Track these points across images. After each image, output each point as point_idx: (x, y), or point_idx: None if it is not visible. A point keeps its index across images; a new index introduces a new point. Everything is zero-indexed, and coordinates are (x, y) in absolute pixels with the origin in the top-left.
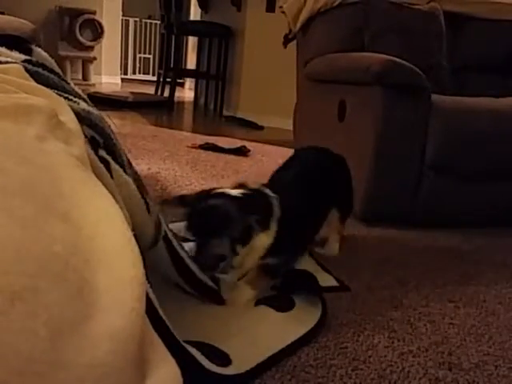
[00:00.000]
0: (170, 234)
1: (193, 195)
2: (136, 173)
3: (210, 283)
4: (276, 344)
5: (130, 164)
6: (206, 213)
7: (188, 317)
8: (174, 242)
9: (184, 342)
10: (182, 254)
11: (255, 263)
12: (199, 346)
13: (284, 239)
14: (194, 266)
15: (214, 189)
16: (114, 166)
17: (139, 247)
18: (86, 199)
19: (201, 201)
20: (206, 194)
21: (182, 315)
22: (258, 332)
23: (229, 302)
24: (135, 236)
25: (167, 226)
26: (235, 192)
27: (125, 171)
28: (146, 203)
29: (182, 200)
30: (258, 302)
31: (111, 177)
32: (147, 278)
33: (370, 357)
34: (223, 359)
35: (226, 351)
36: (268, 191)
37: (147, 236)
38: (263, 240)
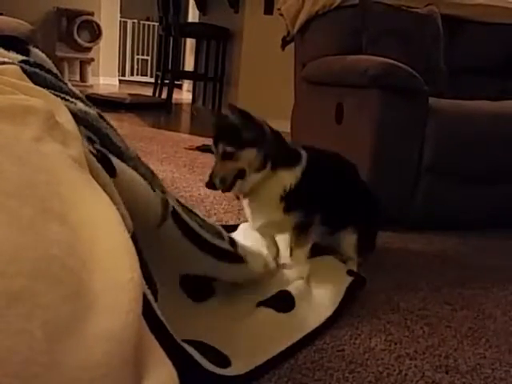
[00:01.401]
0: (177, 208)
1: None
2: (148, 168)
3: (225, 245)
4: (276, 346)
5: (138, 158)
6: (244, 124)
7: (187, 319)
8: (183, 215)
9: (183, 341)
10: (192, 224)
11: (275, 202)
12: (198, 345)
13: (305, 194)
14: (205, 234)
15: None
16: (110, 156)
17: (136, 249)
18: (84, 201)
19: (237, 116)
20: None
21: (182, 317)
22: (257, 334)
23: (293, 260)
24: (132, 238)
25: (173, 200)
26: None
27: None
28: (150, 184)
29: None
30: (258, 304)
31: (111, 168)
32: (147, 280)
33: (367, 360)
34: (222, 361)
35: (226, 353)
36: (301, 149)
37: (156, 214)
38: (286, 177)
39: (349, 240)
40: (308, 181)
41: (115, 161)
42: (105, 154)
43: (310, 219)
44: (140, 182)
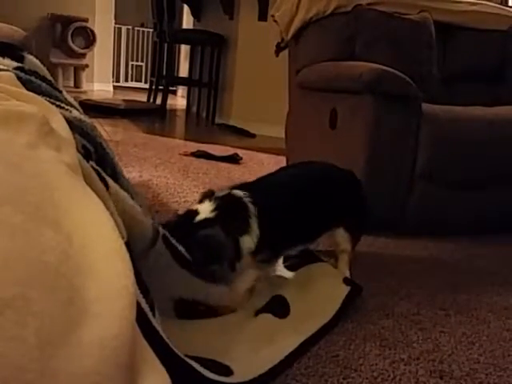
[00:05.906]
0: (166, 232)
1: (173, 222)
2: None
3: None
4: (278, 352)
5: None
6: (198, 246)
7: (186, 331)
8: (171, 239)
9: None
10: (180, 248)
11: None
12: (198, 360)
13: (266, 234)
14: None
15: (186, 212)
16: (103, 174)
17: (130, 255)
18: (77, 207)
19: (185, 231)
20: (187, 221)
21: (181, 329)
22: (258, 340)
23: (233, 289)
24: (127, 244)
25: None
26: (209, 212)
27: (117, 181)
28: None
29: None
30: (256, 313)
31: (104, 185)
32: (143, 290)
33: (361, 365)
34: (224, 370)
35: (227, 363)
36: (238, 192)
37: (147, 236)
38: (249, 242)
39: (340, 233)
40: (266, 222)
41: (110, 181)
42: (100, 173)
43: (271, 258)
44: (132, 205)
